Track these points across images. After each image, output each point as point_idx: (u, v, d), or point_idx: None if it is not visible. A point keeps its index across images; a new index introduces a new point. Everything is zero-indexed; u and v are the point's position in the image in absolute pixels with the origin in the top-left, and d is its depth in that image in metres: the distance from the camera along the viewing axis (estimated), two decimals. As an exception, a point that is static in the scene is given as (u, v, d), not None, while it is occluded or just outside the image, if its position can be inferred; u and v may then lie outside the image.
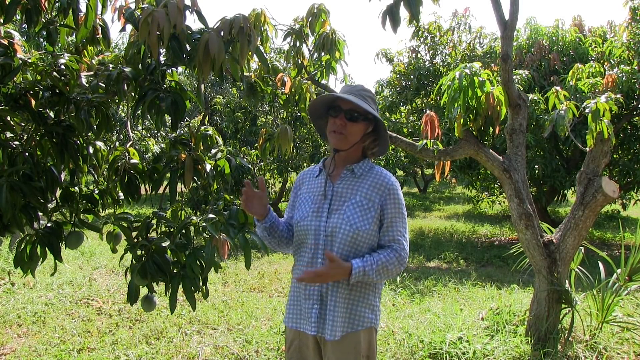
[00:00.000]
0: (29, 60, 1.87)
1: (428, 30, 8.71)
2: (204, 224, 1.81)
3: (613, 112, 3.18)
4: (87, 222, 2.14)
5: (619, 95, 3.46)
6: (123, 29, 2.00)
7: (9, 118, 1.92)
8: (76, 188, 2.09)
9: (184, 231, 1.88)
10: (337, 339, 1.65)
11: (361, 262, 1.61)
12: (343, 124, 1.68)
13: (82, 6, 1.89)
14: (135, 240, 1.91)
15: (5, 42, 1.82)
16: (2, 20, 1.70)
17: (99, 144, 2.18)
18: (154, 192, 2.14)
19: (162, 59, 1.82)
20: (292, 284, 1.82)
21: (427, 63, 8.89)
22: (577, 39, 7.70)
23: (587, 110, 3.12)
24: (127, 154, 2.12)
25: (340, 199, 1.71)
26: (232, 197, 2.09)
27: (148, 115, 1.76)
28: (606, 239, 9.17)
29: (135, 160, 2.09)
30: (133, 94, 1.94)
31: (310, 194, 1.79)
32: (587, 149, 3.31)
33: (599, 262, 3.80)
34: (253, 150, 9.64)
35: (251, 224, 1.99)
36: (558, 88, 3.57)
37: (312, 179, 1.83)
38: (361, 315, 1.69)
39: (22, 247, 1.90)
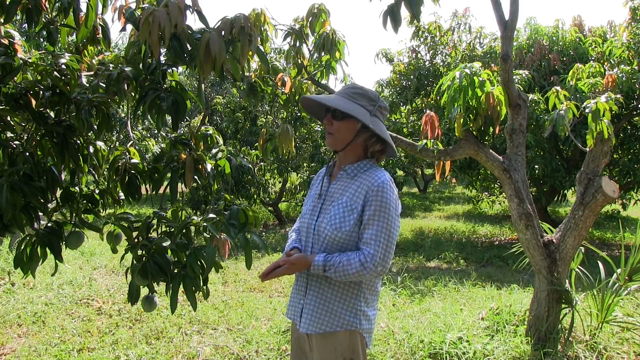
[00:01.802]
0: (30, 60, 1.87)
1: (428, 30, 8.71)
2: (205, 224, 1.81)
3: (613, 112, 3.18)
4: (88, 222, 2.13)
5: (619, 95, 3.46)
6: (123, 29, 2.00)
7: (9, 118, 1.91)
8: (76, 188, 2.09)
9: (184, 231, 1.88)
10: (310, 333, 1.71)
11: (322, 259, 1.65)
12: (329, 123, 1.74)
13: (83, 6, 1.89)
14: (136, 240, 1.91)
15: (6, 42, 1.82)
16: (2, 20, 1.70)
17: (100, 143, 2.17)
18: (154, 192, 2.14)
19: (162, 58, 1.82)
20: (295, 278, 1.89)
21: (427, 63, 8.89)
22: (577, 39, 7.71)
23: (587, 110, 3.12)
24: (127, 154, 2.12)
25: (330, 199, 1.76)
26: (232, 197, 2.09)
27: (148, 115, 1.76)
28: (606, 239, 9.18)
29: (135, 160, 2.09)
30: (133, 93, 1.94)
31: (313, 193, 1.87)
32: (587, 149, 3.31)
33: (598, 262, 3.80)
34: (253, 150, 9.65)
35: (251, 224, 1.99)
36: (558, 88, 3.57)
37: (319, 179, 1.90)
38: (338, 315, 1.69)
39: (22, 248, 1.90)
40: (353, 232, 1.66)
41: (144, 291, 1.98)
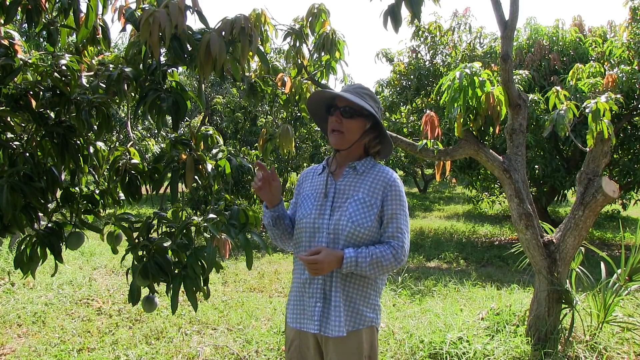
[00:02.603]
0: (30, 61, 1.86)
1: (428, 30, 8.71)
2: (205, 224, 1.81)
3: (613, 112, 3.18)
4: (88, 222, 2.13)
5: (619, 95, 3.46)
6: (123, 29, 1.99)
7: (9, 119, 1.91)
8: (77, 188, 2.09)
9: (185, 231, 1.88)
10: (342, 335, 1.65)
11: (354, 252, 1.62)
12: (339, 121, 1.71)
13: (83, 6, 1.89)
14: (137, 240, 1.91)
15: (6, 43, 1.82)
16: (2, 21, 1.70)
17: (100, 144, 2.17)
18: (154, 193, 2.13)
19: (162, 59, 1.82)
20: (293, 283, 1.81)
21: (427, 63, 8.89)
22: (577, 39, 7.71)
23: (587, 110, 3.12)
24: (127, 154, 2.12)
25: (342, 197, 1.71)
26: (232, 197, 2.09)
27: (149, 116, 1.75)
28: (606, 239, 9.18)
29: (136, 160, 2.09)
30: (134, 94, 1.93)
31: (312, 192, 1.79)
32: (587, 149, 3.31)
33: (600, 262, 3.80)
34: (253, 151, 9.65)
35: (252, 224, 1.98)
36: (558, 88, 3.57)
37: (314, 177, 1.84)
38: (361, 313, 1.69)
39: (22, 248, 1.90)
40: (373, 228, 1.67)
41: (145, 291, 1.98)
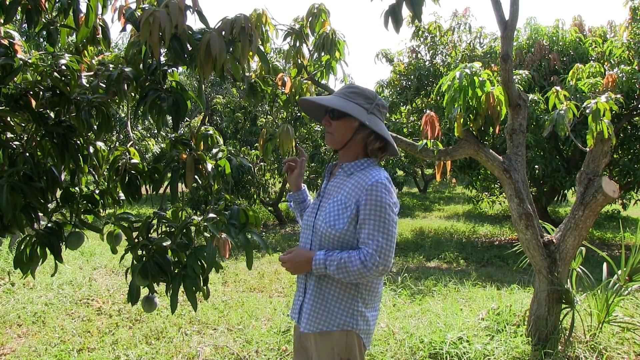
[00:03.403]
0: (30, 61, 1.86)
1: (428, 30, 8.71)
2: (205, 224, 1.81)
3: (613, 112, 3.18)
4: (88, 222, 2.13)
5: (619, 95, 3.46)
6: (123, 29, 1.99)
7: (9, 118, 1.91)
8: (76, 188, 2.08)
9: (185, 231, 1.87)
10: (308, 332, 1.73)
11: (324, 255, 1.66)
12: (328, 123, 1.77)
13: (83, 6, 1.89)
14: (136, 240, 1.91)
15: (6, 43, 1.82)
16: (2, 21, 1.70)
17: (100, 144, 2.17)
18: (154, 192, 2.14)
19: (163, 59, 1.82)
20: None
21: (427, 63, 8.89)
22: (577, 39, 7.71)
23: (587, 110, 3.12)
24: (127, 154, 2.11)
25: (328, 197, 1.78)
26: (232, 197, 2.09)
27: (149, 116, 1.75)
28: (606, 239, 9.18)
29: (135, 160, 2.09)
30: (134, 94, 1.94)
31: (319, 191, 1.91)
32: (587, 149, 3.31)
33: (603, 262, 3.80)
34: (253, 150, 9.65)
35: (252, 224, 1.98)
36: (558, 88, 3.57)
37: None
38: (335, 315, 1.69)
39: (22, 248, 1.90)
40: (348, 231, 1.65)
41: (144, 291, 1.98)
